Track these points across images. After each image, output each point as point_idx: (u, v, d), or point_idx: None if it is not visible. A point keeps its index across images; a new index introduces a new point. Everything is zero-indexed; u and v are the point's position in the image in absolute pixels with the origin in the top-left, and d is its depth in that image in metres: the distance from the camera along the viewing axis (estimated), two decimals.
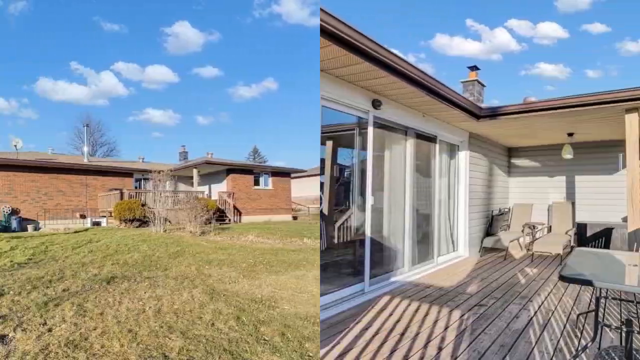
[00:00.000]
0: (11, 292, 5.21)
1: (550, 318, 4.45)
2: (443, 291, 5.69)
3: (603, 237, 8.68)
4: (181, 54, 64.10)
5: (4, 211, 16.80)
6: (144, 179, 21.70)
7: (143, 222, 15.47)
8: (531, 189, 10.80)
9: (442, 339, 3.81)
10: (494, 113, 6.97)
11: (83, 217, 19.00)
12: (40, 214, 18.07)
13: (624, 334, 2.89)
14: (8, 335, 3.70)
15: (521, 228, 9.29)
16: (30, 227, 16.50)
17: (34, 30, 56.87)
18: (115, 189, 18.56)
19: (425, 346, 3.64)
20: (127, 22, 63.42)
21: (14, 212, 17.29)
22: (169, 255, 8.47)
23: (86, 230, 14.66)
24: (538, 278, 6.58)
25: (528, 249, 9.04)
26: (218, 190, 21.66)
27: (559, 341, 3.73)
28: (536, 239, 8.86)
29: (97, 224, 17.87)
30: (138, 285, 5.79)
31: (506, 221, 10.12)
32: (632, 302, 4.76)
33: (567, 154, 8.86)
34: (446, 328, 4.12)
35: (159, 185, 15.76)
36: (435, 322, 4.35)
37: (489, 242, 8.86)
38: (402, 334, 3.98)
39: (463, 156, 8.60)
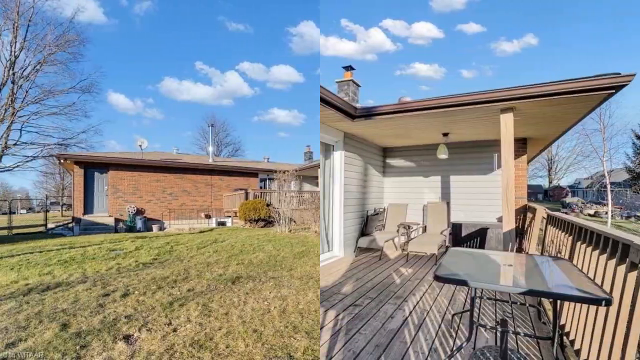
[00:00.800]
0: (136, 292, 5.20)
1: (425, 318, 4.33)
2: None
3: (478, 237, 8.27)
4: (306, 54, 63.58)
5: (129, 211, 16.71)
6: (269, 179, 21.55)
7: (268, 222, 15.18)
8: (406, 189, 10.27)
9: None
10: (369, 113, 6.72)
11: (208, 217, 18.86)
12: (165, 214, 17.89)
13: (499, 334, 2.91)
14: (133, 335, 3.69)
15: (396, 228, 8.91)
16: (155, 227, 16.26)
17: (159, 31, 57.86)
18: (240, 189, 18.08)
19: None
20: (253, 22, 63.09)
21: (139, 212, 17.16)
22: (294, 255, 8.25)
23: (211, 230, 14.81)
24: (413, 278, 6.30)
25: (403, 249, 8.71)
26: None
27: (434, 341, 3.66)
28: (411, 239, 8.48)
29: (222, 223, 17.67)
30: (263, 285, 5.61)
31: (381, 221, 9.59)
32: (507, 302, 4.80)
33: (442, 154, 8.52)
34: (321, 328, 4.04)
35: (283, 185, 15.19)
36: None
37: (364, 242, 8.33)
38: None
39: (338, 156, 8.21)
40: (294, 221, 15.04)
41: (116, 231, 15.61)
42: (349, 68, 10.74)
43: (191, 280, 5.93)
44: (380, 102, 6.83)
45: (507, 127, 5.73)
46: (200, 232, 13.98)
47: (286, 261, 7.65)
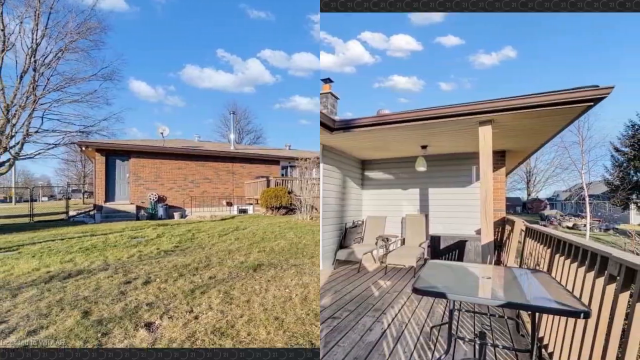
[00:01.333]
0: (158, 279, 4.77)
1: (403, 330, 3.98)
2: None
3: (457, 250, 7.66)
4: None
5: (150, 199, 15.39)
6: (291, 166, 19.86)
7: (289, 209, 14.02)
8: (385, 202, 9.43)
9: None
10: (347, 126, 6.18)
11: (229, 204, 17.48)
12: (187, 202, 16.45)
13: (477, 347, 2.68)
14: (155, 322, 3.40)
15: (375, 240, 8.30)
16: (176, 215, 15.03)
17: (180, 18, 54.22)
18: (262, 177, 16.69)
19: None
20: (274, 9, 59.31)
21: (160, 199, 15.77)
22: (316, 243, 7.68)
23: (233, 217, 13.76)
24: (391, 290, 5.83)
25: (382, 262, 8.08)
26: None
27: (412, 354, 3.37)
28: (390, 251, 7.82)
29: (244, 211, 16.56)
30: (284, 273, 5.19)
31: (360, 234, 8.87)
32: (486, 314, 4.34)
33: (421, 167, 7.84)
34: None
35: (305, 173, 13.96)
36: None
37: (342, 254, 7.72)
38: None
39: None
40: (316, 209, 13.55)
41: (137, 219, 14.53)
42: (327, 80, 9.97)
43: (212, 268, 5.48)
44: (359, 114, 6.17)
45: (485, 139, 5.25)
46: (222, 219, 13.14)
47: (307, 249, 7.14)
